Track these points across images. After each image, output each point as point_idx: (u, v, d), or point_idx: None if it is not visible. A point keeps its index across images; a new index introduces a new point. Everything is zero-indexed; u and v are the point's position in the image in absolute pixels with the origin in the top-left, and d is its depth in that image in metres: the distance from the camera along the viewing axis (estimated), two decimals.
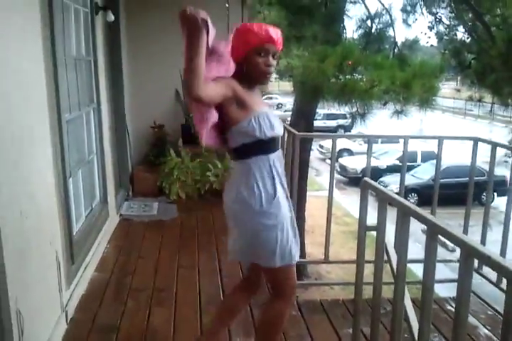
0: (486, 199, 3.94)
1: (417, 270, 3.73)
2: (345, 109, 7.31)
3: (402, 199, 1.91)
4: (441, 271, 2.76)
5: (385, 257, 2.27)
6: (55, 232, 2.95)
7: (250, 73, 2.15)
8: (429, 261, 1.60)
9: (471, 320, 3.32)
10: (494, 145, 3.55)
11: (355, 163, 17.20)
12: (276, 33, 2.11)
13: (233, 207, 2.23)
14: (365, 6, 7.43)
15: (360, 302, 2.36)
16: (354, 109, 6.88)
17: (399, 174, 14.25)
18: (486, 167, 3.88)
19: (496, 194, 13.02)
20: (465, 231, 3.91)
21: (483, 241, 3.72)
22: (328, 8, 6.82)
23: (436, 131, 20.56)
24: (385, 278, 2.15)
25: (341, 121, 24.46)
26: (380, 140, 19.27)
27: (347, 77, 6.30)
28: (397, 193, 2.87)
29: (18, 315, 2.23)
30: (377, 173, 15.71)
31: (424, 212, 1.74)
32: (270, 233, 2.14)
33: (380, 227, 1.96)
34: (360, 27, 7.38)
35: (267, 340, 2.39)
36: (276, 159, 2.21)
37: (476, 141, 3.70)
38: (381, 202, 1.97)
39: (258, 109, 2.14)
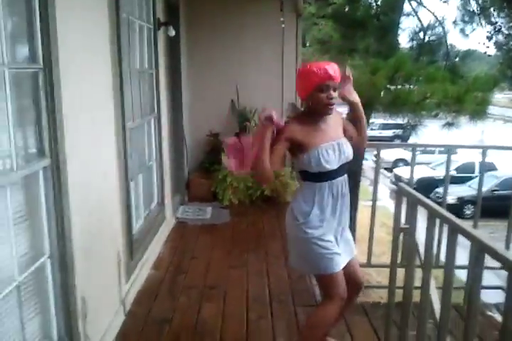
0: None
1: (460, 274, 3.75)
2: (398, 120, 7.40)
3: (432, 204, 2.03)
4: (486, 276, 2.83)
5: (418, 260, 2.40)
6: (117, 231, 3.24)
7: (315, 107, 2.47)
8: (476, 273, 1.67)
9: None
10: None
11: (411, 174, 17.00)
12: (333, 70, 2.40)
13: (286, 217, 2.59)
14: (418, 18, 7.49)
15: (393, 304, 2.47)
16: (406, 120, 6.96)
17: (455, 185, 13.93)
18: None
19: None
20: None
21: None
22: (381, 20, 6.94)
23: (496, 142, 20.03)
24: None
25: (398, 131, 24.19)
26: (437, 150, 19.02)
27: (399, 87, 6.40)
28: (439, 203, 2.98)
29: (83, 302, 2.51)
30: (433, 184, 15.51)
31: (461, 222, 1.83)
32: (303, 244, 2.50)
33: (411, 228, 2.11)
34: (412, 39, 7.45)
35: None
36: (327, 187, 2.48)
37: None
38: (412, 206, 2.12)
39: (314, 146, 2.44)
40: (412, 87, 6.46)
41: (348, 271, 2.58)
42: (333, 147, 2.46)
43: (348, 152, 2.52)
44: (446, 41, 8.03)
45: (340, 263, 2.49)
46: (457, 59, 8.16)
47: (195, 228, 5.32)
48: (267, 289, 3.79)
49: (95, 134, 2.84)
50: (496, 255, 1.55)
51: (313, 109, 2.49)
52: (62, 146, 2.26)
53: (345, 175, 2.57)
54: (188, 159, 6.53)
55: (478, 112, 6.22)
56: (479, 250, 1.63)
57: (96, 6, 2.93)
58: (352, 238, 2.67)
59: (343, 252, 2.54)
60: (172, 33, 5.11)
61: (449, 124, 6.78)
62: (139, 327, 3.21)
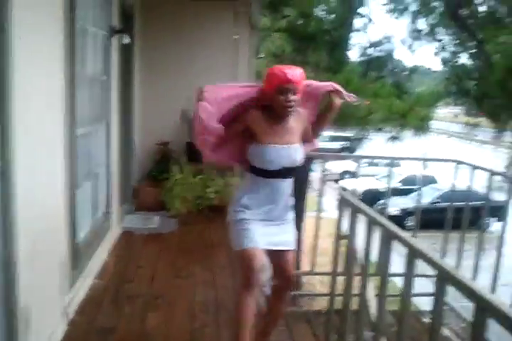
0: (481, 223, 3.98)
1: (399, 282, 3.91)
2: (346, 133, 7.64)
3: (370, 211, 2.12)
4: (424, 284, 2.95)
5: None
6: (61, 238, 3.20)
7: (275, 108, 2.61)
8: (409, 277, 1.77)
9: (445, 332, 3.54)
10: (473, 168, 3.75)
11: (356, 185, 17.39)
12: (293, 74, 2.54)
13: None
14: (368, 35, 7.76)
15: (333, 311, 2.55)
16: (353, 133, 7.20)
17: (399, 197, 14.36)
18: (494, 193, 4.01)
19: (496, 219, 13.22)
20: (459, 256, 4.02)
21: (476, 266, 3.83)
22: (332, 35, 7.14)
23: (440, 155, 20.79)
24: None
25: (345, 143, 24.72)
26: (382, 163, 19.52)
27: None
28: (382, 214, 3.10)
29: (26, 311, 2.47)
30: (378, 196, 15.91)
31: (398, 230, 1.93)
32: (230, 225, 2.70)
33: (351, 236, 2.21)
34: (362, 54, 7.69)
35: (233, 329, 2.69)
36: (264, 183, 2.64)
37: (457, 163, 3.91)
38: (353, 214, 2.21)
39: (263, 143, 2.59)
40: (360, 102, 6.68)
41: (280, 262, 2.72)
42: (280, 150, 2.59)
43: (296, 158, 2.64)
44: (393, 57, 8.33)
45: (256, 242, 2.58)
46: (404, 74, 8.47)
47: (141, 237, 5.29)
48: (213, 298, 3.82)
49: (44, 140, 2.82)
50: (428, 260, 1.63)
51: (273, 110, 2.62)
52: (9, 152, 2.23)
53: (290, 179, 2.70)
54: (137, 167, 6.49)
55: (421, 127, 6.50)
56: (411, 255, 1.72)
57: (51, 12, 2.92)
58: (293, 233, 2.79)
59: (270, 237, 2.65)
60: (126, 40, 5.11)
61: (394, 138, 7.05)
62: (81, 336, 3.18)
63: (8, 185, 2.23)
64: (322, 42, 7.23)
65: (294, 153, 2.64)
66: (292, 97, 2.56)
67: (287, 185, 2.70)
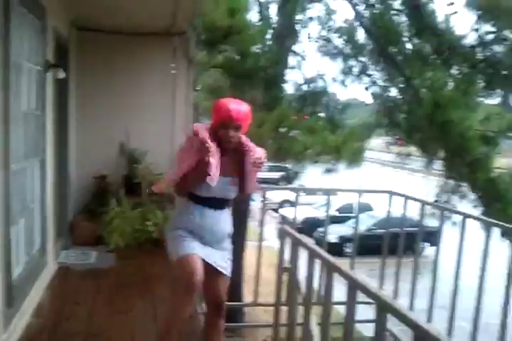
0: (415, 248, 4.13)
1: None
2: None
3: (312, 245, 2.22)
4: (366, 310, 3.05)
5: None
6: None
7: (219, 141, 2.72)
8: (350, 307, 1.85)
9: None
10: (406, 198, 3.97)
11: (296, 214, 17.64)
12: (237, 112, 2.64)
13: None
14: (302, 72, 8.07)
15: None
16: (290, 166, 7.45)
17: (337, 224, 14.76)
18: (427, 219, 4.23)
19: (429, 244, 13.71)
20: (396, 280, 4.19)
21: (413, 289, 4.00)
22: (268, 73, 7.37)
23: (374, 185, 21.48)
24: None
25: (284, 173, 25.06)
26: (319, 192, 19.90)
27: (282, 140, 6.85)
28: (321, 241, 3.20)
29: None
30: (317, 223, 16.18)
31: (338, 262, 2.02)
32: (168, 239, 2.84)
33: (293, 268, 2.29)
34: (297, 90, 7.97)
35: None
36: (200, 209, 2.78)
37: (390, 194, 4.12)
38: (294, 246, 2.30)
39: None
40: (294, 137, 6.93)
41: (213, 287, 2.78)
42: (217, 181, 2.66)
43: (227, 192, 2.77)
44: (327, 92, 8.68)
45: (194, 249, 2.69)
46: (338, 109, 8.81)
47: (78, 273, 5.17)
48: (155, 332, 3.77)
49: None
50: (367, 292, 1.74)
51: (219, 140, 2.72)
52: None
53: (224, 210, 2.83)
54: (73, 201, 6.38)
55: (355, 159, 6.78)
56: (352, 287, 1.81)
57: None
58: (229, 262, 2.85)
59: (207, 251, 2.74)
60: (61, 75, 5.09)
61: (329, 170, 7.31)
62: None
63: None
64: (258, 80, 7.44)
65: (228, 187, 2.75)
66: (232, 134, 2.66)
67: (221, 215, 2.81)
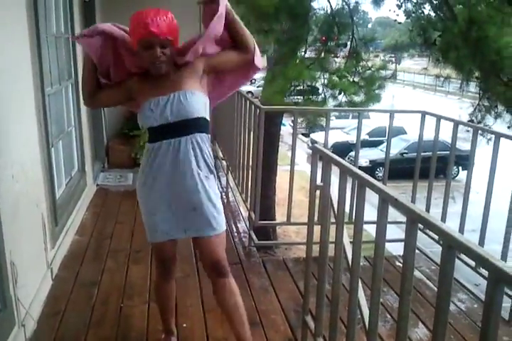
0: (447, 172, 4.04)
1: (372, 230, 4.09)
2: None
3: (346, 164, 2.21)
4: (394, 231, 3.09)
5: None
6: (41, 196, 3.24)
7: (144, 65, 2.18)
8: (381, 223, 1.87)
9: (417, 274, 3.75)
10: (439, 118, 3.86)
11: (326, 137, 17.56)
12: (158, 25, 2.03)
13: None
14: (328, 1, 7.72)
15: (311, 258, 2.67)
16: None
17: (368, 148, 14.62)
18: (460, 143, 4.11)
19: (461, 168, 13.64)
20: (428, 204, 4.19)
21: (444, 213, 3.93)
22: (294, 2, 7.03)
23: (405, 106, 21.04)
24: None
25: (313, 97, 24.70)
26: (350, 115, 19.68)
27: None
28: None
29: (12, 266, 2.53)
30: (347, 148, 16.12)
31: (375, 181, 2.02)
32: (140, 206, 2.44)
33: (325, 186, 2.31)
34: (323, 22, 7.68)
35: None
36: (161, 148, 2.21)
37: (423, 114, 4.01)
38: (326, 164, 2.30)
39: (143, 101, 2.18)
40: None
41: (201, 249, 2.38)
42: (162, 101, 2.14)
43: (188, 106, 2.13)
44: (358, 11, 8.31)
45: (162, 235, 2.32)
46: (361, 43, 8.46)
47: (117, 194, 5.34)
48: (192, 250, 3.92)
49: (15, 101, 2.80)
50: (398, 204, 1.74)
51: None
52: None
53: (191, 136, 2.17)
54: (107, 125, 6.45)
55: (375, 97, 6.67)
56: (383, 200, 1.82)
57: None
58: (209, 215, 2.24)
59: (176, 225, 2.29)
60: None
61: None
62: (67, 290, 3.27)
63: None
64: (284, 10, 7.05)
65: (184, 100, 2.12)
66: (159, 52, 2.07)
67: (190, 143, 2.17)
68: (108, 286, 3.34)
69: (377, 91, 7.14)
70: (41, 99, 3.26)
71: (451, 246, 1.43)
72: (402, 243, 1.70)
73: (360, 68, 7.49)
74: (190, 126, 2.17)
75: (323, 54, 7.66)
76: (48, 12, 3.75)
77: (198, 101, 2.17)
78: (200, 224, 2.26)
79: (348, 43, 8.10)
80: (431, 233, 3.94)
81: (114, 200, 5.15)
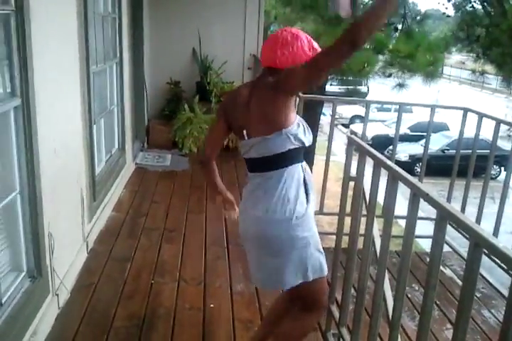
0: (486, 171, 3.90)
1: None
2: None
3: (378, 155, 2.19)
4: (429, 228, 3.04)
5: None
6: (81, 172, 3.33)
7: None
8: (411, 217, 1.86)
9: (448, 272, 3.71)
10: (481, 116, 3.75)
11: (366, 130, 17.38)
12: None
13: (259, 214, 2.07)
14: None
15: (340, 249, 2.67)
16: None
17: (408, 143, 14.35)
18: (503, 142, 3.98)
19: (503, 168, 13.28)
20: (464, 202, 4.09)
21: (480, 212, 3.81)
22: None
23: (450, 102, 20.57)
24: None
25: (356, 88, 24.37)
26: (393, 108, 19.37)
27: None
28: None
29: (50, 237, 2.62)
30: (387, 141, 15.89)
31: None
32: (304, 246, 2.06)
33: (359, 177, 2.30)
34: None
35: None
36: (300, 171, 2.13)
37: (465, 110, 3.91)
38: (361, 155, 2.29)
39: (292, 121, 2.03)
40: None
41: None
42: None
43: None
44: (406, 1, 8.14)
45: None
46: (414, 22, 8.27)
47: (154, 174, 5.43)
48: (224, 233, 3.98)
49: (61, 77, 2.88)
50: (428, 199, 1.72)
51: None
52: (32, 87, 2.30)
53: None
54: (149, 105, 6.54)
55: (431, 72, 6.43)
56: (414, 195, 1.80)
57: None
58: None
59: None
60: None
61: (400, 85, 7.02)
62: (101, 264, 3.36)
63: (30, 121, 2.31)
64: None
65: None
66: None
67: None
68: (140, 263, 3.42)
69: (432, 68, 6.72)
70: (86, 76, 3.33)
71: (478, 244, 1.42)
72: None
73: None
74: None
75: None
76: None
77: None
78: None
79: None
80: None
81: (152, 180, 5.24)
